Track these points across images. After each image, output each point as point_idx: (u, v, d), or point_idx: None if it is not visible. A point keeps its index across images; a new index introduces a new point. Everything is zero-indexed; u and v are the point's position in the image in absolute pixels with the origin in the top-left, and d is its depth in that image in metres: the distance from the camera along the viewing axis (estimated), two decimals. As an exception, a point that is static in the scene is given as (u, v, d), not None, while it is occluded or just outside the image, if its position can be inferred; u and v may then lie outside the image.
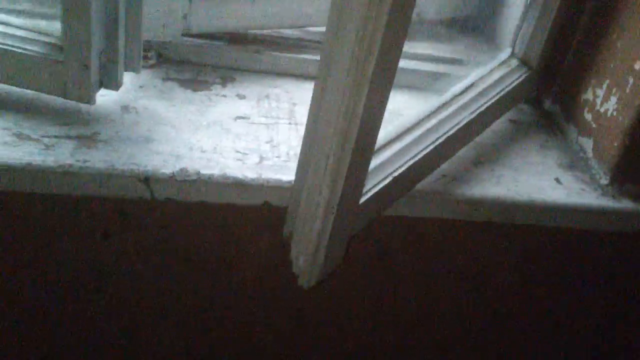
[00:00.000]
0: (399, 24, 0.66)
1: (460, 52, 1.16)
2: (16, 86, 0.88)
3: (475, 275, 1.07)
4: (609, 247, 1.06)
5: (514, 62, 1.06)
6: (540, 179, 0.98)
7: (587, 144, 1.03)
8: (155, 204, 0.86)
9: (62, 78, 0.86)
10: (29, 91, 0.88)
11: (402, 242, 1.00)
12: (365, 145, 0.74)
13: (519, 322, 1.16)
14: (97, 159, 0.83)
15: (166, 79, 1.00)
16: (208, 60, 1.04)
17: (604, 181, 0.99)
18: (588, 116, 1.03)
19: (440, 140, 0.90)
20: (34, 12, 0.96)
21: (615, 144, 0.97)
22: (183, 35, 1.01)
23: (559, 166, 1.02)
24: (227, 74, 1.04)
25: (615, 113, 0.97)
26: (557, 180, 0.99)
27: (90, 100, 0.88)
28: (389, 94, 0.72)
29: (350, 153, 0.71)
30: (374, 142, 0.76)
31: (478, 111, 0.96)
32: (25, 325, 1.00)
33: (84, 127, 0.87)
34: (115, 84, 0.89)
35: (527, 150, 1.04)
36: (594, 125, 1.01)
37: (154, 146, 0.87)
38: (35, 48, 0.86)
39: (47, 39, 0.87)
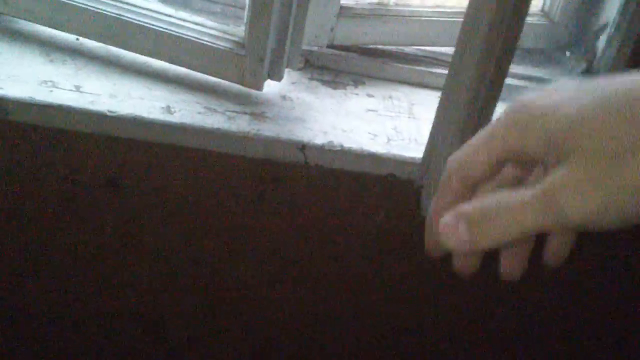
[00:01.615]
0: (507, 52, 0.90)
1: (550, 74, 1.38)
2: (205, 73, 1.15)
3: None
4: None
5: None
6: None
7: None
8: (307, 169, 1.11)
9: (241, 69, 1.12)
10: (212, 78, 1.15)
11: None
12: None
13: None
14: (266, 129, 1.08)
15: (311, 78, 1.26)
16: (343, 67, 1.30)
17: None
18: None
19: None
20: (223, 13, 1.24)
21: None
22: (327, 46, 1.27)
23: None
24: (358, 79, 1.30)
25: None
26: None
27: (260, 87, 1.14)
28: (497, 103, 0.96)
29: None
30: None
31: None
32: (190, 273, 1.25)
33: (255, 107, 1.13)
34: (278, 77, 1.16)
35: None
36: None
37: (307, 124, 1.12)
38: (223, 44, 1.13)
39: (232, 37, 1.14)
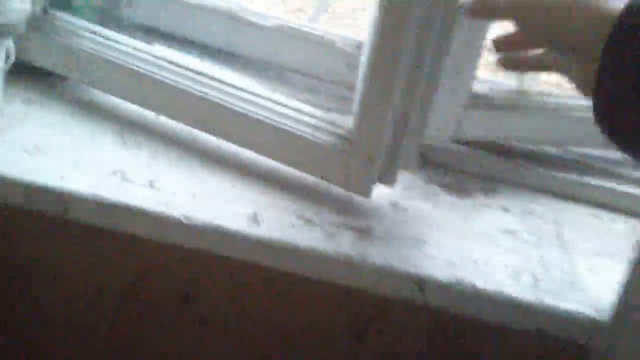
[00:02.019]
0: None
1: None
2: (300, 170, 0.89)
3: None
4: None
5: None
6: None
7: None
8: (426, 311, 0.83)
9: (346, 169, 0.86)
10: (310, 176, 0.89)
11: None
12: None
13: None
14: (373, 254, 0.81)
15: (428, 181, 0.99)
16: (470, 167, 1.02)
17: None
18: None
19: None
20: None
21: None
22: (451, 141, 1.00)
23: None
24: (489, 184, 1.01)
25: None
26: None
27: (367, 194, 0.87)
28: None
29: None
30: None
31: None
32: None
33: (360, 219, 0.87)
34: (390, 181, 0.89)
35: None
36: None
37: (426, 249, 0.85)
38: (326, 137, 0.87)
39: (336, 130, 0.88)
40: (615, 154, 1.03)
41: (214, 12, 1.09)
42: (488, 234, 0.91)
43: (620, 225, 0.99)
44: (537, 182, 1.02)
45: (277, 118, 0.88)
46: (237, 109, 0.88)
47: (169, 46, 1.09)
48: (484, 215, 0.94)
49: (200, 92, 0.89)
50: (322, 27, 1.11)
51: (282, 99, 0.92)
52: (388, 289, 0.81)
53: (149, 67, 0.91)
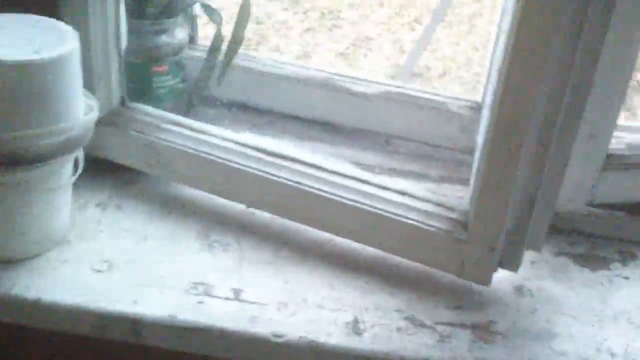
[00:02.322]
0: None
1: None
2: (407, 259, 0.83)
3: None
4: None
5: None
6: None
7: None
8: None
9: (461, 257, 0.79)
10: (418, 265, 0.83)
11: None
12: None
13: None
14: (495, 357, 0.73)
15: (558, 253, 0.90)
16: (604, 231, 0.92)
17: None
18: None
19: None
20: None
21: None
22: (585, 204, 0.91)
23: None
24: (626, 248, 0.91)
25: None
26: None
27: (487, 282, 0.80)
28: None
29: None
30: None
31: None
32: None
33: (478, 313, 0.79)
34: (514, 265, 0.81)
35: None
36: None
37: (556, 344, 0.76)
38: (437, 223, 0.80)
39: (450, 214, 0.81)
40: None
41: (311, 82, 1.05)
42: (628, 314, 0.81)
43: None
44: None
45: (380, 205, 0.83)
46: (333, 197, 0.83)
47: (268, 122, 1.06)
48: (621, 290, 0.85)
49: (294, 181, 0.84)
50: (433, 86, 1.04)
51: (387, 181, 0.86)
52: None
53: (237, 159, 0.87)
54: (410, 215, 0.81)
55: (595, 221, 0.91)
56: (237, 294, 0.78)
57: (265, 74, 1.06)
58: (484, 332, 0.77)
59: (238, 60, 1.04)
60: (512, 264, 0.81)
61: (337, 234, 0.86)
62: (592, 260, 0.89)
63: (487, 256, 0.78)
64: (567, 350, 0.76)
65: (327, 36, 1.33)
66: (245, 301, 0.78)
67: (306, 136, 1.04)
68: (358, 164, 0.99)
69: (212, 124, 0.92)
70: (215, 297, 0.78)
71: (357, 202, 0.83)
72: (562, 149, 0.74)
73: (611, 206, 0.91)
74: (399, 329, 0.76)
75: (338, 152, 1.02)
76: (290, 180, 0.85)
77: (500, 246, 0.78)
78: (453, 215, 0.81)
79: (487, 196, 0.75)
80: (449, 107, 1.02)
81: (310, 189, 0.84)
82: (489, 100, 0.84)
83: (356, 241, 0.85)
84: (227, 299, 0.78)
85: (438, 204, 0.83)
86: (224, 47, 1.02)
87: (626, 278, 0.87)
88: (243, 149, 0.88)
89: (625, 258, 0.90)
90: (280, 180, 0.85)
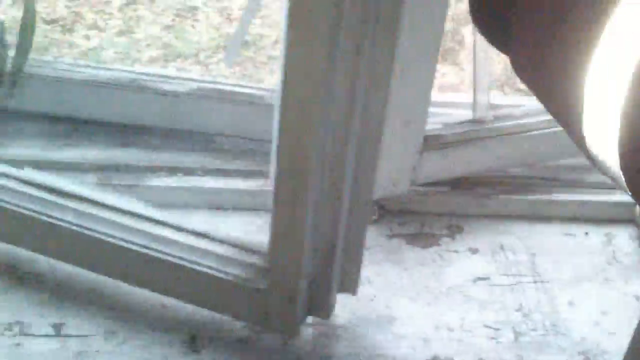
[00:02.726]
0: None
1: None
2: (206, 308, 0.79)
3: None
4: None
5: None
6: None
7: None
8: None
9: (264, 307, 0.75)
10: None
11: None
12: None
13: None
14: (339, 352, 0.76)
15: (391, 235, 0.93)
16: (431, 208, 0.96)
17: None
18: None
19: None
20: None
21: None
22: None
23: None
24: (453, 221, 0.96)
25: None
26: None
27: (293, 333, 0.77)
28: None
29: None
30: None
31: None
32: None
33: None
34: (325, 312, 0.78)
35: None
36: None
37: (396, 328, 0.79)
38: (236, 271, 0.75)
39: (250, 259, 0.76)
40: (580, 160, 0.97)
41: (116, 84, 0.97)
42: (459, 288, 0.86)
43: (593, 239, 0.93)
44: (504, 211, 0.97)
45: (174, 251, 0.76)
46: (114, 240, 0.76)
47: (72, 130, 0.97)
48: (452, 264, 0.89)
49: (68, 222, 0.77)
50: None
51: (184, 221, 0.79)
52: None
53: (14, 200, 0.78)
54: (206, 262, 0.75)
55: (421, 199, 0.95)
56: None
57: (63, 79, 0.98)
58: (327, 327, 0.79)
59: (31, 68, 0.94)
60: (322, 310, 0.78)
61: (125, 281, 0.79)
62: (423, 238, 0.93)
63: (289, 306, 0.74)
64: (407, 332, 0.79)
65: (149, 8, 1.27)
66: None
67: (118, 142, 0.97)
68: (177, 168, 0.94)
69: (10, 139, 0.85)
70: None
71: (140, 245, 0.76)
72: (360, 196, 0.72)
73: (434, 184, 0.96)
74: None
75: (154, 157, 0.96)
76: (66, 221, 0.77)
77: (303, 294, 0.74)
78: (253, 260, 0.76)
79: (281, 244, 0.71)
80: (266, 100, 0.98)
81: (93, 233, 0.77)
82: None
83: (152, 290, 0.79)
84: None
85: (237, 245, 0.77)
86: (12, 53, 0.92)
87: (456, 252, 0.91)
88: (21, 187, 0.80)
89: (454, 232, 0.95)
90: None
